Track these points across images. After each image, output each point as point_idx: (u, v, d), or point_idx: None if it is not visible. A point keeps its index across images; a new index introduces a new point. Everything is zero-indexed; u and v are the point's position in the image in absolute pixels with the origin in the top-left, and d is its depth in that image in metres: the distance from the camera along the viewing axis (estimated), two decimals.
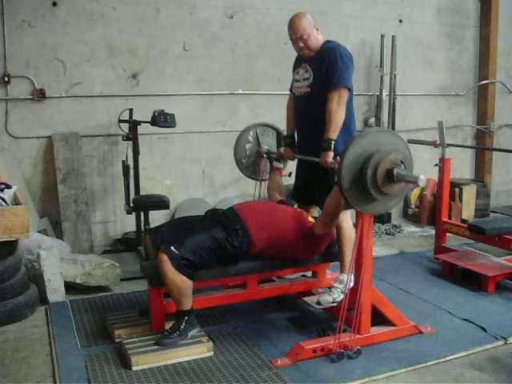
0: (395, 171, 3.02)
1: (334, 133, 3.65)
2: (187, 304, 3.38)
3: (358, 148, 3.04)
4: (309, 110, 3.91)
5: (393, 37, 6.69)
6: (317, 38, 3.85)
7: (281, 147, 4.42)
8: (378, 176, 3.01)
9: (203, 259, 3.39)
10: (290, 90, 4.19)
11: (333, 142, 3.63)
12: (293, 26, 3.83)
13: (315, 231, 3.63)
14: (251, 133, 4.54)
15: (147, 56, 5.76)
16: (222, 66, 6.09)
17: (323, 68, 3.75)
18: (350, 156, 3.02)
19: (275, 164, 4.39)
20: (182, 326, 3.38)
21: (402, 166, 3.05)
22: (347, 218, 3.82)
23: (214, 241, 3.44)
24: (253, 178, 4.65)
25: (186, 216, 4.18)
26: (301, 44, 3.83)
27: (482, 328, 3.77)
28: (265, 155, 4.49)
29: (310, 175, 3.97)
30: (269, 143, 4.56)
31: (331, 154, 3.62)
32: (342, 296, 3.67)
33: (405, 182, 3.10)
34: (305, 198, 4.12)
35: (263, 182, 4.55)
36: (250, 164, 4.58)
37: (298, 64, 4.02)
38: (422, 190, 6.93)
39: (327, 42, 3.90)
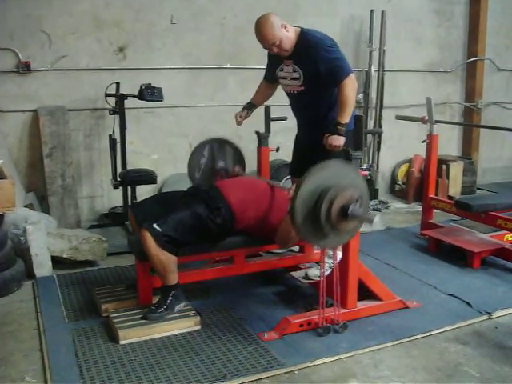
0: (350, 209, 2.92)
1: (348, 117, 3.60)
2: (173, 279, 3.39)
3: (315, 181, 2.93)
4: (307, 106, 3.90)
5: (382, 12, 6.63)
6: (289, 37, 3.69)
7: (236, 165, 4.29)
8: (332, 212, 2.91)
9: (186, 236, 3.38)
10: (266, 78, 4.18)
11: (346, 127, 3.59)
12: (261, 37, 3.68)
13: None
14: (206, 147, 4.26)
15: (134, 29, 5.68)
16: (210, 40, 6.03)
17: (312, 65, 3.67)
18: (305, 189, 2.91)
19: None
20: (169, 301, 3.39)
21: (358, 204, 2.96)
22: None
23: (196, 218, 3.43)
24: None
25: (169, 192, 4.16)
26: (275, 50, 3.71)
27: (467, 303, 3.82)
28: (220, 172, 4.26)
29: (309, 143, 3.93)
30: (224, 159, 4.31)
31: (342, 139, 3.59)
32: (329, 271, 3.69)
33: (359, 221, 3.04)
34: (300, 171, 4.10)
35: None
36: (204, 180, 4.24)
37: (277, 58, 3.88)
38: (410, 166, 6.96)
39: (303, 33, 3.74)
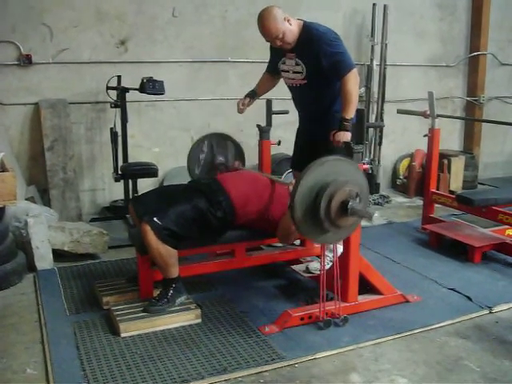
0: (350, 205, 2.92)
1: (352, 112, 3.59)
2: (174, 272, 3.40)
3: (314, 177, 2.93)
4: (309, 100, 3.90)
5: (384, 6, 6.60)
6: (292, 30, 3.67)
7: (236, 160, 4.33)
8: (331, 208, 2.91)
9: (186, 230, 3.38)
10: (268, 71, 4.17)
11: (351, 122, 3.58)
12: (264, 31, 3.67)
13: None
14: (206, 143, 4.28)
15: (136, 22, 5.67)
16: (212, 33, 6.02)
17: (315, 59, 3.66)
18: (305, 184, 2.91)
19: None
20: (170, 294, 3.40)
21: (357, 199, 2.96)
22: None
23: (197, 212, 3.44)
24: None
25: (169, 185, 4.15)
26: (279, 43, 3.70)
27: (468, 297, 3.82)
28: (219, 167, 4.28)
29: (310, 136, 3.93)
30: (224, 154, 4.33)
31: (349, 134, 3.56)
32: (330, 264, 3.69)
33: (358, 217, 3.03)
34: (301, 164, 4.09)
35: None
36: (204, 175, 4.27)
37: (280, 51, 3.85)
38: (411, 160, 6.95)
39: (306, 26, 3.73)
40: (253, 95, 4.20)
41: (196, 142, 4.31)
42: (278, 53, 3.91)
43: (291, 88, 3.99)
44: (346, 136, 3.54)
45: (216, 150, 4.29)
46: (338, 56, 3.63)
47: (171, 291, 3.39)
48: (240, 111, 4.19)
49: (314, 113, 3.92)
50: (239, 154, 4.35)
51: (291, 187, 3.06)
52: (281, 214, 3.63)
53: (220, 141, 4.31)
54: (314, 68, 3.71)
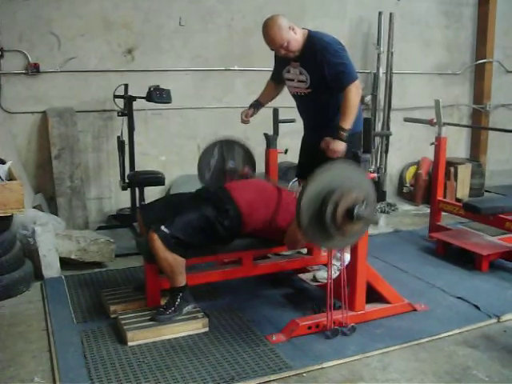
0: (355, 211, 2.91)
1: (350, 123, 3.59)
2: (181, 281, 3.39)
3: (320, 182, 2.93)
4: (313, 109, 3.90)
5: (390, 14, 6.61)
6: (296, 39, 3.67)
7: (246, 165, 4.29)
8: (337, 214, 2.90)
9: (194, 238, 3.38)
10: (272, 79, 4.17)
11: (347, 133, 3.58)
12: (268, 40, 3.67)
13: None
14: (216, 148, 4.26)
15: (143, 31, 5.69)
16: (218, 41, 6.04)
17: (319, 68, 3.65)
18: (311, 190, 2.91)
19: None
20: (177, 302, 3.39)
21: (364, 205, 2.95)
22: None
23: (204, 220, 3.43)
24: None
25: (177, 193, 4.15)
26: (283, 52, 3.70)
27: (476, 306, 3.80)
28: (230, 172, 4.24)
29: (315, 145, 3.92)
30: (234, 159, 4.29)
31: (344, 144, 3.57)
32: (337, 273, 3.68)
33: (365, 223, 3.03)
34: (307, 173, 4.09)
35: None
36: (214, 180, 4.24)
37: (284, 59, 3.86)
38: (417, 168, 6.95)
39: (310, 36, 3.73)
40: (257, 105, 4.20)
41: (206, 148, 4.28)
42: (282, 61, 3.92)
43: (295, 96, 3.99)
44: (338, 145, 3.56)
45: (226, 155, 4.26)
46: (341, 67, 3.62)
47: (178, 300, 3.39)
48: (244, 122, 4.19)
49: (318, 121, 3.91)
50: (249, 159, 4.35)
51: (298, 194, 3.05)
52: (288, 222, 3.62)
53: (230, 146, 4.28)
54: (318, 77, 3.71)
